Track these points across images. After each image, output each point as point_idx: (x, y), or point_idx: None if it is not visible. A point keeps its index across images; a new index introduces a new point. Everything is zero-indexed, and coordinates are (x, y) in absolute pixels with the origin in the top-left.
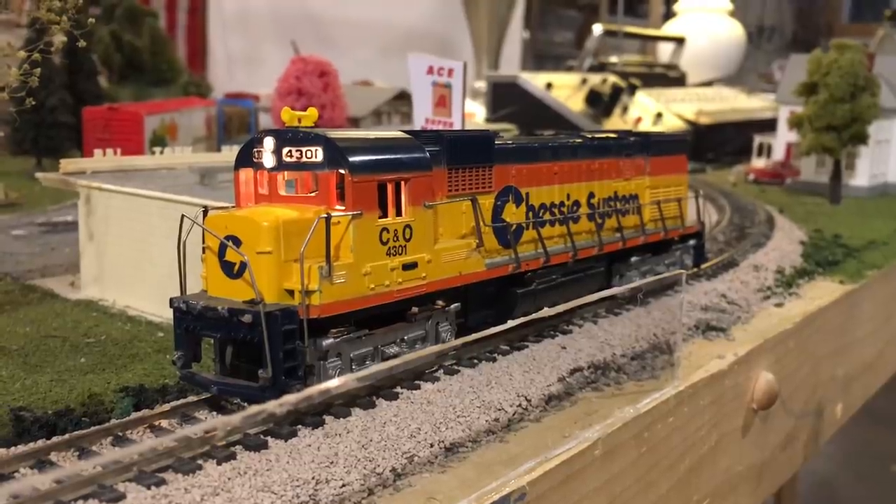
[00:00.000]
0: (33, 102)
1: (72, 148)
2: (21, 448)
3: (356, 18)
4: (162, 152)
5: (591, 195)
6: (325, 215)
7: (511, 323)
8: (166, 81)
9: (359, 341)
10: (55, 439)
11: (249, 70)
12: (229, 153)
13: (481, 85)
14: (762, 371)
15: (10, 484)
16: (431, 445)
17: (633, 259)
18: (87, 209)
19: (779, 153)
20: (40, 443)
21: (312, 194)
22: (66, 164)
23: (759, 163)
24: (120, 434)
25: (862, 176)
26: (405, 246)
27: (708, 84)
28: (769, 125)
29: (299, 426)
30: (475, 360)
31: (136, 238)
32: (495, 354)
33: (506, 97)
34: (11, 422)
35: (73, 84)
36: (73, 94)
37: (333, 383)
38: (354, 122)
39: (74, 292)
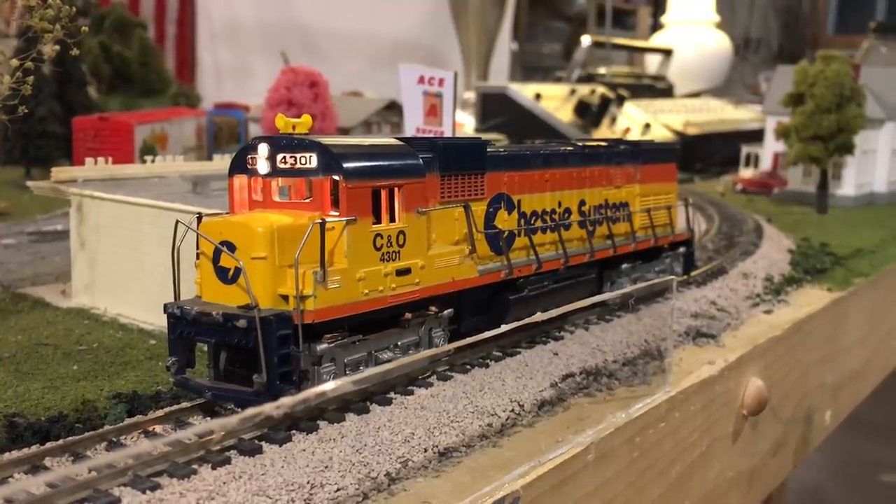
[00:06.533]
0: (26, 110)
1: (61, 157)
2: (15, 453)
3: (345, 30)
4: (153, 161)
5: (582, 203)
6: (320, 221)
7: (503, 328)
8: (155, 92)
9: (353, 346)
10: (49, 445)
11: (238, 81)
12: (221, 162)
13: (470, 95)
14: (752, 377)
15: (3, 487)
16: (425, 450)
17: (624, 266)
18: (78, 217)
19: (766, 163)
20: (34, 448)
21: (306, 200)
22: (58, 172)
23: (746, 173)
24: (114, 439)
25: (848, 185)
26: (399, 252)
27: (695, 95)
28: (756, 136)
29: (293, 431)
30: (468, 366)
31: (128, 246)
32: (488, 360)
33: (495, 108)
34: (5, 428)
35: (62, 94)
36: (62, 104)
37: (330, 386)
38: (344, 133)
39: (66, 300)
